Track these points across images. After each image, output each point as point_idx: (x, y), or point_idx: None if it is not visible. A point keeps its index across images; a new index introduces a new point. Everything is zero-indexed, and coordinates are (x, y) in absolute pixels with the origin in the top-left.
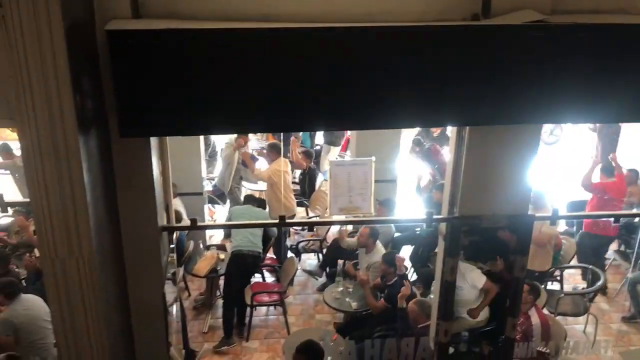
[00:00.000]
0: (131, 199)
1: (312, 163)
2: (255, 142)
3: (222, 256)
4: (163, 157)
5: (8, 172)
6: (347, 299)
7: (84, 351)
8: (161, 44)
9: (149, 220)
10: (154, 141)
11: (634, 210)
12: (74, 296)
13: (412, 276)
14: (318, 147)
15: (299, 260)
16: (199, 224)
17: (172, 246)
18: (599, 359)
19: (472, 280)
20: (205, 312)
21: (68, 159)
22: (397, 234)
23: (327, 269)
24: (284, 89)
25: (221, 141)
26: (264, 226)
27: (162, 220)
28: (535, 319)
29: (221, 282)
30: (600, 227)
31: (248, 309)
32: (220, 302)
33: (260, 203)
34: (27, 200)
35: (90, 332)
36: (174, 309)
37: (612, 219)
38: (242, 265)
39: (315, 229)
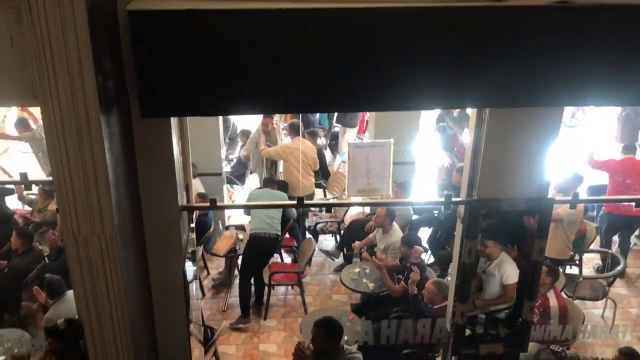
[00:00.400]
0: (152, 179)
1: (323, 142)
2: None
3: (240, 236)
4: (183, 138)
5: (30, 150)
6: (364, 280)
7: (106, 326)
8: (182, 24)
9: (169, 200)
10: (174, 121)
11: None
12: (96, 273)
13: (430, 259)
14: (337, 129)
15: (317, 241)
16: (219, 204)
17: (192, 225)
18: (616, 344)
19: (503, 275)
20: (224, 290)
21: (90, 138)
22: (414, 217)
23: (345, 250)
24: (302, 69)
25: (242, 123)
26: (282, 207)
27: (182, 200)
28: (553, 301)
29: (239, 262)
30: (622, 208)
31: (266, 289)
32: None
33: (281, 185)
34: (50, 178)
35: (112, 308)
36: (193, 287)
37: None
38: (259, 247)
39: (333, 211)
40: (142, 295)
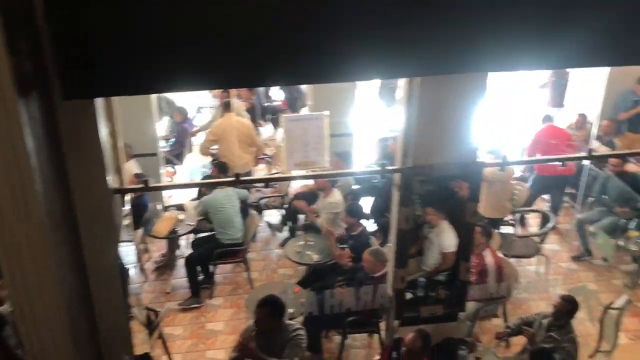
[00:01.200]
0: (80, 163)
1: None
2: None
3: (181, 217)
4: (111, 118)
5: None
6: (308, 252)
7: (41, 316)
8: None
9: (99, 183)
10: (100, 102)
11: (581, 154)
12: (27, 262)
13: (373, 226)
14: (278, 103)
15: (261, 216)
16: (156, 184)
17: (126, 208)
18: (549, 297)
19: (442, 243)
20: (167, 272)
21: (9, 124)
22: (356, 186)
23: (289, 224)
24: (236, 41)
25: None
26: (218, 184)
27: (114, 183)
28: (489, 260)
29: (181, 242)
30: (551, 169)
31: (211, 267)
32: (181, 262)
33: (221, 166)
34: None
35: (45, 297)
36: (132, 271)
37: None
38: (223, 250)
39: (276, 185)
40: (78, 283)
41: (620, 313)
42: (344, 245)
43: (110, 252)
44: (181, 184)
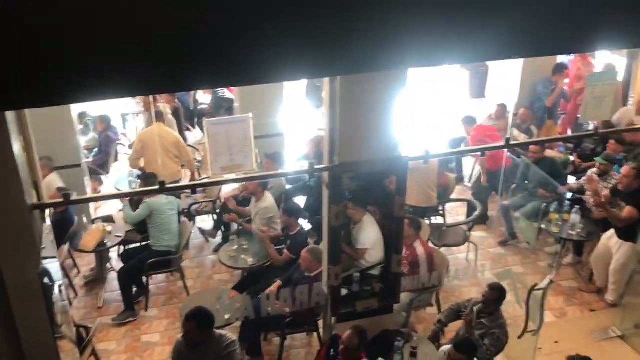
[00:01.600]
0: None
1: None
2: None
3: (109, 228)
4: (25, 132)
5: None
6: (243, 256)
7: None
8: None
9: (16, 200)
10: (10, 115)
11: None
12: None
13: (308, 226)
14: (203, 106)
15: (193, 223)
16: (80, 197)
17: (47, 223)
18: (479, 282)
19: (359, 239)
20: (98, 286)
21: None
22: (288, 186)
23: (222, 229)
24: (147, 47)
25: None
26: (139, 194)
27: (31, 198)
28: (420, 250)
29: (111, 255)
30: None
31: (144, 279)
32: (113, 275)
33: (149, 177)
34: None
35: None
36: (57, 288)
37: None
38: (160, 260)
39: (205, 190)
40: None
41: (544, 293)
42: (281, 246)
43: (30, 270)
44: (103, 196)
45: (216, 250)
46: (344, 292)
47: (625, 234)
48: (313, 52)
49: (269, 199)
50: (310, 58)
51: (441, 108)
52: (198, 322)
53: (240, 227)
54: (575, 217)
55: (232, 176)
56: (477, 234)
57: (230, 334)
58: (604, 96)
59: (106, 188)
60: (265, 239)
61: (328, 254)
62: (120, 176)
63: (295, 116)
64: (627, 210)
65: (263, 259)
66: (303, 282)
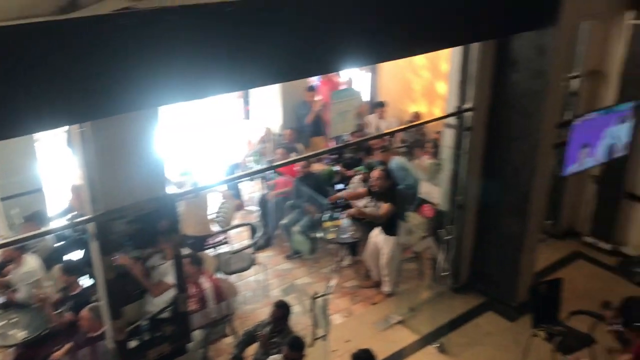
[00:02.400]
0: None
1: None
2: None
3: None
4: None
5: None
6: (10, 332)
7: None
8: None
9: None
10: None
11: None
12: None
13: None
14: None
15: None
16: None
17: None
18: (271, 302)
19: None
20: None
21: None
22: (59, 244)
23: None
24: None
25: None
26: None
27: None
28: (206, 285)
29: None
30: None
31: None
32: None
33: None
34: None
35: None
36: None
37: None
38: None
39: None
40: None
41: (325, 299)
42: (61, 309)
43: None
44: None
45: None
46: (135, 343)
47: (388, 229)
48: (49, 101)
49: (29, 262)
50: (47, 108)
51: (218, 134)
52: None
53: (6, 300)
54: (345, 221)
55: None
56: (263, 254)
57: None
58: (347, 110)
59: None
60: (44, 303)
61: (108, 308)
62: None
63: (56, 167)
64: (383, 207)
65: (40, 327)
66: (88, 343)
